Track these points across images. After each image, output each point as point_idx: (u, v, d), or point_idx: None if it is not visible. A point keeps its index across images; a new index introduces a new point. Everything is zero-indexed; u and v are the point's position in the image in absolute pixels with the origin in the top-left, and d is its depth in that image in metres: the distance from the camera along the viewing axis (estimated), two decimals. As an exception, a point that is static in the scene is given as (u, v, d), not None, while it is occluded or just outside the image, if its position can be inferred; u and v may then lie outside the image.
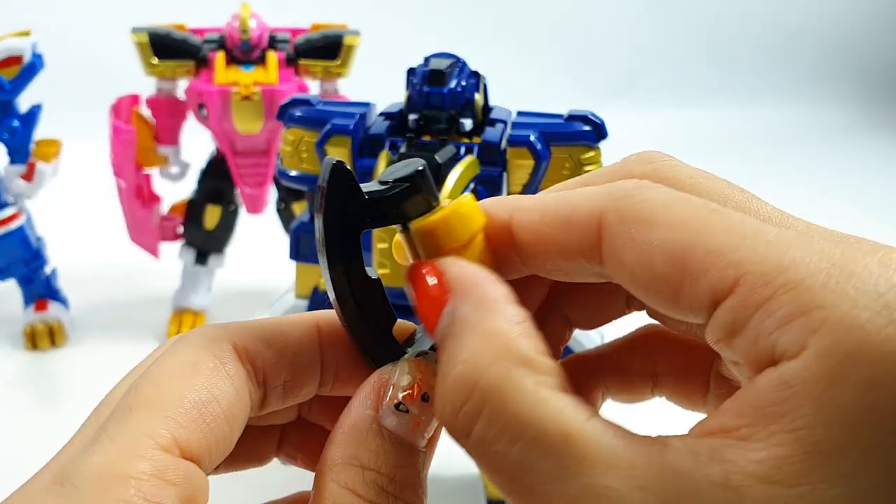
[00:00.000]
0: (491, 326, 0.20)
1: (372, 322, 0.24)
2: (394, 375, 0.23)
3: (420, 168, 0.24)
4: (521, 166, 0.52)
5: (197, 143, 0.95)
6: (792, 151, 1.89)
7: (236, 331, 0.24)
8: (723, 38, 2.18)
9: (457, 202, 0.24)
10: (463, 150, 0.51)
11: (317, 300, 0.57)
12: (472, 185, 0.49)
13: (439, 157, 0.48)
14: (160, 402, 0.22)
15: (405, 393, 0.23)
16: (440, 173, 0.48)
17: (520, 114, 0.54)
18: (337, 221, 0.23)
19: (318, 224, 0.23)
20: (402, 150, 0.50)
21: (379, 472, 0.22)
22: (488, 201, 0.25)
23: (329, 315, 0.26)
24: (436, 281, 0.22)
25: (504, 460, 0.19)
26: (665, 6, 2.15)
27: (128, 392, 0.23)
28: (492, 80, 0.56)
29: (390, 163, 0.48)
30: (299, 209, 0.94)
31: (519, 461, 0.19)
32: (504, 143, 0.52)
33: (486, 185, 0.51)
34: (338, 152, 0.53)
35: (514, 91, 1.09)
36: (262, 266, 1.04)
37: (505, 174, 0.52)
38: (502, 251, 0.24)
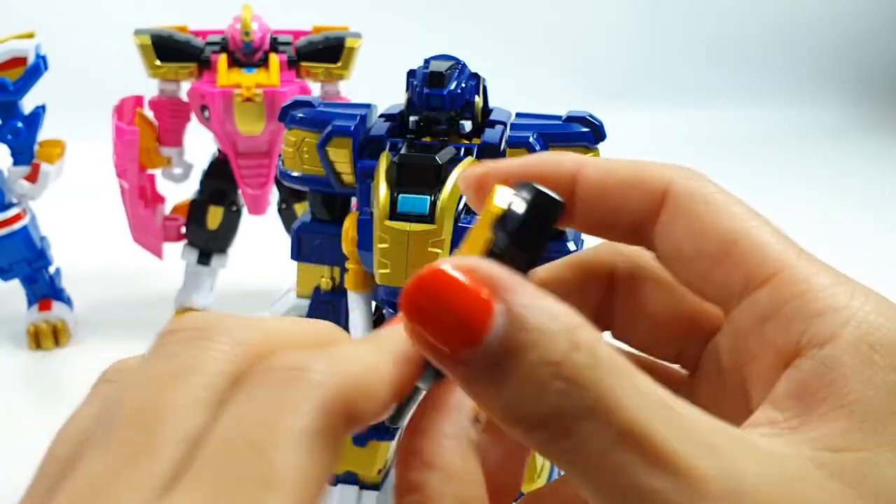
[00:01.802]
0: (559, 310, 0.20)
1: None
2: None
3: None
4: (520, 167, 0.52)
5: (199, 144, 0.96)
6: (792, 151, 1.89)
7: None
8: (722, 39, 2.19)
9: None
10: (462, 151, 0.51)
11: (318, 300, 0.57)
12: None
13: (439, 158, 0.49)
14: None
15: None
16: (440, 174, 0.48)
17: (518, 115, 0.55)
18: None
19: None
20: (403, 151, 0.51)
21: None
22: (552, 155, 0.25)
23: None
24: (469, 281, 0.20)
25: (635, 424, 0.19)
26: (665, 7, 2.16)
27: None
28: (491, 81, 0.56)
29: (390, 164, 0.49)
30: (301, 210, 0.95)
31: (645, 421, 0.19)
32: (503, 145, 0.52)
33: (485, 186, 0.51)
34: (339, 153, 0.53)
35: (513, 92, 1.10)
36: (264, 266, 1.05)
37: (504, 175, 0.53)
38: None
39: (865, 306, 0.21)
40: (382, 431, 0.62)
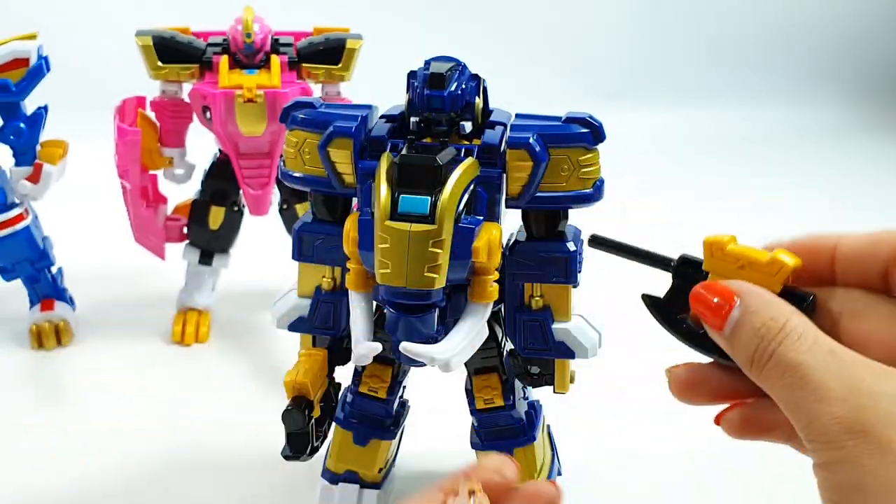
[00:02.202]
0: (775, 299, 0.37)
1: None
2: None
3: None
4: (519, 168, 0.52)
5: (201, 145, 0.96)
6: (792, 151, 1.89)
7: None
8: (722, 39, 2.19)
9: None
10: (463, 152, 0.52)
11: (319, 299, 0.58)
12: (471, 187, 0.50)
13: (440, 159, 0.49)
14: None
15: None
16: (441, 175, 0.48)
17: (518, 116, 0.55)
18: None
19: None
20: (403, 151, 0.51)
21: None
22: (817, 236, 0.40)
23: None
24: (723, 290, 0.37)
25: (791, 363, 0.34)
26: (665, 7, 2.16)
27: None
28: (491, 81, 0.57)
29: (391, 164, 0.49)
30: (302, 210, 0.95)
31: (801, 362, 0.34)
32: (503, 146, 0.52)
33: (485, 187, 0.52)
34: (340, 154, 0.54)
35: (513, 92, 1.10)
36: (266, 266, 1.06)
37: (504, 175, 0.53)
38: (821, 267, 0.39)
39: None
40: (383, 430, 0.62)
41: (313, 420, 0.55)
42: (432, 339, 0.50)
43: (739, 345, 0.36)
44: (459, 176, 0.49)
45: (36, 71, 0.83)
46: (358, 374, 0.61)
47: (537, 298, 0.55)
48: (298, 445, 0.55)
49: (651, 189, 1.55)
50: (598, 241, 0.44)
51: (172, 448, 0.74)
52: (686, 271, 0.39)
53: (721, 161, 1.80)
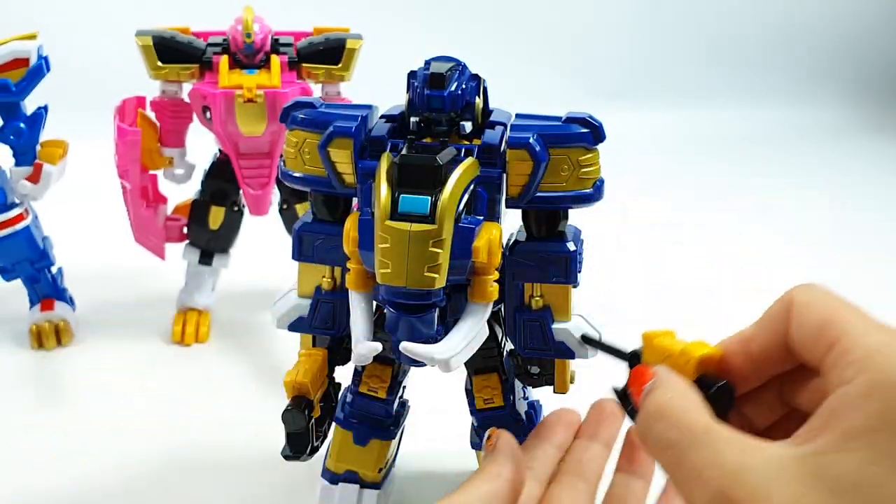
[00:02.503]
0: (675, 381, 0.39)
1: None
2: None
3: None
4: (520, 168, 0.52)
5: (201, 145, 0.96)
6: (792, 151, 1.89)
7: None
8: (722, 39, 2.19)
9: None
10: (463, 152, 0.52)
11: (319, 299, 0.58)
12: (471, 187, 0.50)
13: (440, 159, 0.49)
14: None
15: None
16: (441, 175, 0.48)
17: (518, 116, 0.55)
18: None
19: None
20: (403, 151, 0.51)
21: None
22: (731, 343, 0.42)
23: None
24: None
25: (669, 441, 0.35)
26: (665, 7, 2.16)
27: None
28: (491, 81, 0.57)
29: (391, 164, 0.49)
30: (302, 210, 0.95)
31: (677, 440, 0.35)
32: (503, 146, 0.52)
33: (485, 187, 0.52)
34: (340, 154, 0.54)
35: (513, 92, 1.10)
36: (266, 266, 1.06)
37: (504, 175, 0.53)
38: (740, 369, 0.41)
39: (884, 362, 0.31)
40: (383, 430, 0.62)
41: (313, 420, 0.55)
42: (432, 339, 0.50)
43: (638, 421, 0.39)
44: (459, 176, 0.49)
45: (36, 71, 0.83)
46: (358, 374, 0.61)
47: (537, 298, 0.55)
48: (298, 445, 0.55)
49: (651, 189, 1.55)
50: (588, 340, 0.54)
51: (172, 448, 0.74)
52: (635, 363, 0.46)
53: (721, 161, 1.80)
